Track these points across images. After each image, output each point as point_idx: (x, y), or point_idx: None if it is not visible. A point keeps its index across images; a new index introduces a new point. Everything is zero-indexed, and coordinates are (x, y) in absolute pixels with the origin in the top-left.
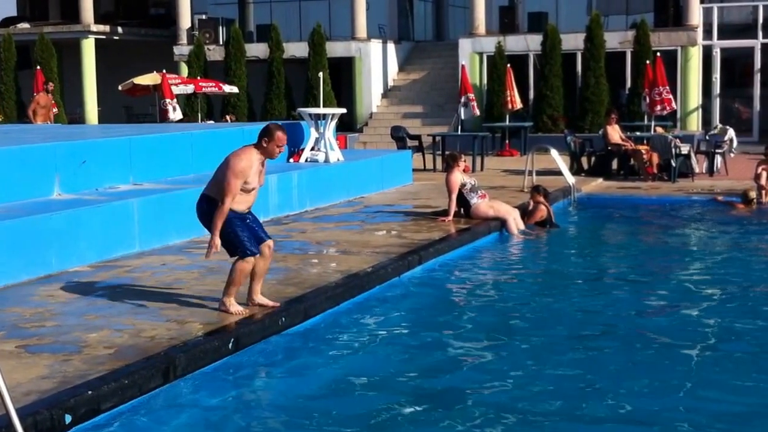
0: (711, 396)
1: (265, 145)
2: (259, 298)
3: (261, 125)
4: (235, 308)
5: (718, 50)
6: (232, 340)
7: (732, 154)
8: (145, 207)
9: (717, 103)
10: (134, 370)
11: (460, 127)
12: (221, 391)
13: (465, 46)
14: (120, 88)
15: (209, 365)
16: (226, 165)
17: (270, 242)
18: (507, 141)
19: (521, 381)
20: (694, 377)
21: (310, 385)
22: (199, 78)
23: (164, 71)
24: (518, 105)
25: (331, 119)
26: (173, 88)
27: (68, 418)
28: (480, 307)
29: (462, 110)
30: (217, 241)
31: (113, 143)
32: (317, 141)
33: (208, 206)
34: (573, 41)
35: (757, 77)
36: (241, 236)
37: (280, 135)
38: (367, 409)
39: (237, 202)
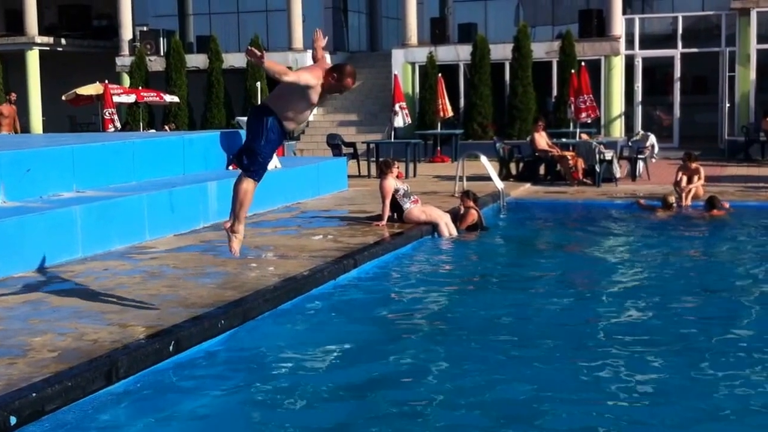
0: (639, 401)
1: (332, 80)
2: (240, 228)
3: (201, 133)
4: (240, 236)
5: (640, 59)
6: (173, 342)
7: (653, 160)
8: (87, 214)
9: (639, 111)
10: (77, 372)
11: (393, 135)
12: (162, 393)
13: (398, 56)
14: (63, 98)
15: (151, 367)
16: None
17: None
18: (438, 148)
19: (455, 386)
20: (625, 381)
21: (246, 387)
22: (140, 88)
23: (106, 81)
24: (449, 113)
25: None
26: (115, 97)
27: (13, 420)
28: (413, 310)
29: (395, 118)
30: (264, 60)
31: (57, 152)
32: None
33: (261, 113)
34: (501, 51)
35: (677, 85)
36: (264, 162)
37: (349, 82)
38: (302, 415)
39: (294, 116)
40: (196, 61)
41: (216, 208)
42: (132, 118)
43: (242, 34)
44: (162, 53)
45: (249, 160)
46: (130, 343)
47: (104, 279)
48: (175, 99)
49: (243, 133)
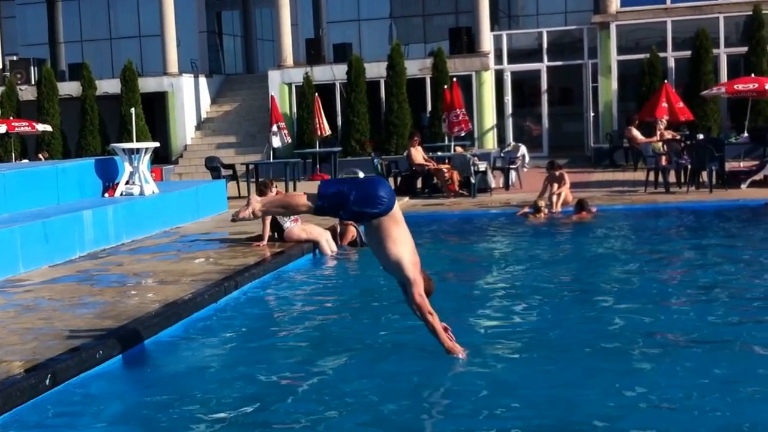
0: (514, 406)
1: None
2: (257, 208)
3: (75, 162)
4: (250, 210)
5: (509, 73)
6: (49, 376)
7: (525, 169)
8: None
9: (510, 123)
10: None
11: (272, 155)
12: (39, 429)
13: (274, 77)
14: None
15: (27, 402)
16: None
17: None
18: (318, 166)
19: (342, 404)
20: (522, 389)
21: (126, 418)
22: (11, 118)
23: None
24: (327, 131)
25: (145, 153)
26: None
27: None
28: (296, 329)
29: (273, 139)
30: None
31: None
32: (132, 175)
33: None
34: (376, 69)
35: (545, 97)
36: (336, 209)
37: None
38: None
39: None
40: (69, 88)
41: (92, 236)
42: (3, 148)
43: (116, 60)
44: (33, 82)
45: (331, 201)
46: (4, 380)
47: None
48: (48, 128)
49: (119, 160)
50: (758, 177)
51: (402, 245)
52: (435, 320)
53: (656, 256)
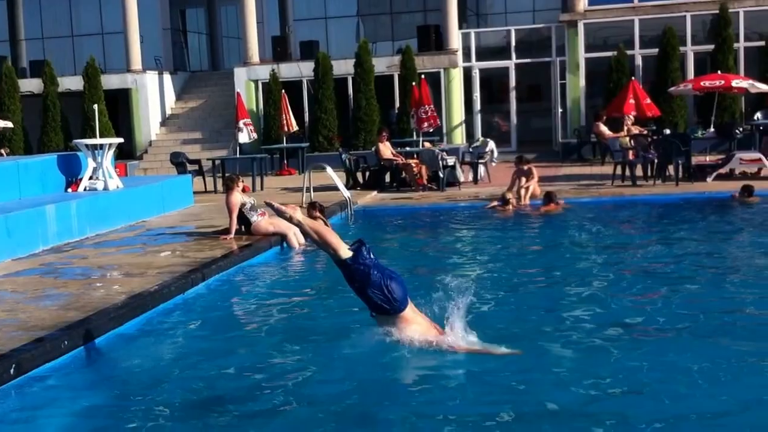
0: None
1: None
2: (294, 214)
3: (37, 158)
4: (293, 213)
5: (477, 71)
6: (14, 365)
7: (493, 164)
8: None
9: (478, 118)
10: None
11: (238, 151)
12: (3, 419)
13: (240, 74)
14: None
15: None
16: None
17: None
18: (285, 161)
19: (311, 393)
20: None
21: (94, 408)
22: None
23: None
24: (294, 128)
25: (108, 148)
26: None
27: None
28: (263, 321)
29: (239, 135)
30: None
31: None
32: (95, 170)
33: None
34: (344, 66)
35: (513, 94)
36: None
37: None
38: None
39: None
40: (30, 85)
41: (55, 230)
42: None
43: (78, 57)
44: None
45: (359, 267)
46: None
47: None
48: (9, 124)
49: (82, 155)
50: (724, 170)
51: (417, 331)
52: (473, 347)
53: (622, 247)
